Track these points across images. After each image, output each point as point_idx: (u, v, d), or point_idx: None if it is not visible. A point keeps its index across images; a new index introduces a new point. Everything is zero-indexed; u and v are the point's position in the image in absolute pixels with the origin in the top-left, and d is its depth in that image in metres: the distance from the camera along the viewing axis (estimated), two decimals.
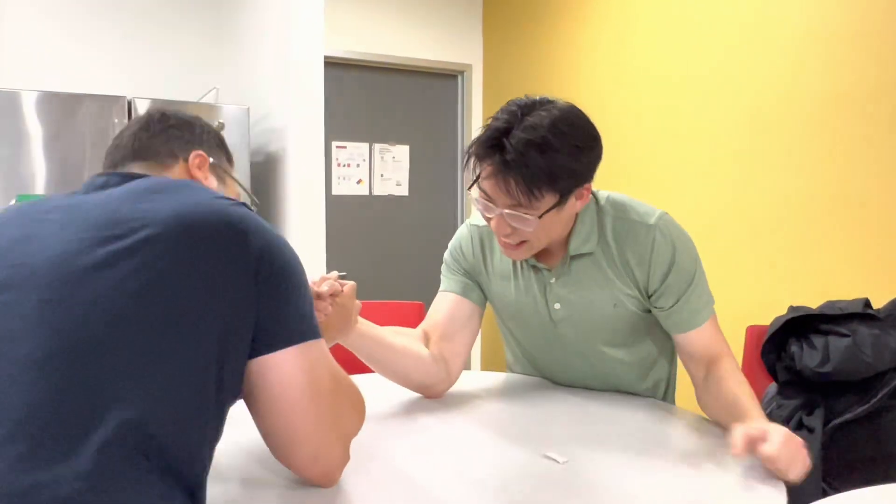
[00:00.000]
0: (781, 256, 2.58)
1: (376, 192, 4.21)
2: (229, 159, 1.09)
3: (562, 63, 3.73)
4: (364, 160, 4.17)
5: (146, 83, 3.60)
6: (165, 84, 3.65)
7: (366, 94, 4.14)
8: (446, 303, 1.46)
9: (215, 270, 0.73)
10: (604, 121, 3.43)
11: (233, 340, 0.75)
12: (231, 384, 0.76)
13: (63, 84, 3.41)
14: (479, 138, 1.21)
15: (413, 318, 2.10)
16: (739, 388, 1.22)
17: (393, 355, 1.33)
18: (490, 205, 1.23)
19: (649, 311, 1.38)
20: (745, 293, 2.70)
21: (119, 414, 0.63)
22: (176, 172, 0.96)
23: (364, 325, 1.29)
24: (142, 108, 2.74)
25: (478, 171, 1.23)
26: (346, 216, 4.10)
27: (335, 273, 1.21)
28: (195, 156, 0.99)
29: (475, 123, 4.44)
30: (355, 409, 0.91)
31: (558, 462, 1.07)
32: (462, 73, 4.40)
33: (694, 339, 1.33)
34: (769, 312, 2.03)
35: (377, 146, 4.19)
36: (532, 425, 1.25)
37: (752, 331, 1.79)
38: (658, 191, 3.14)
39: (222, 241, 0.75)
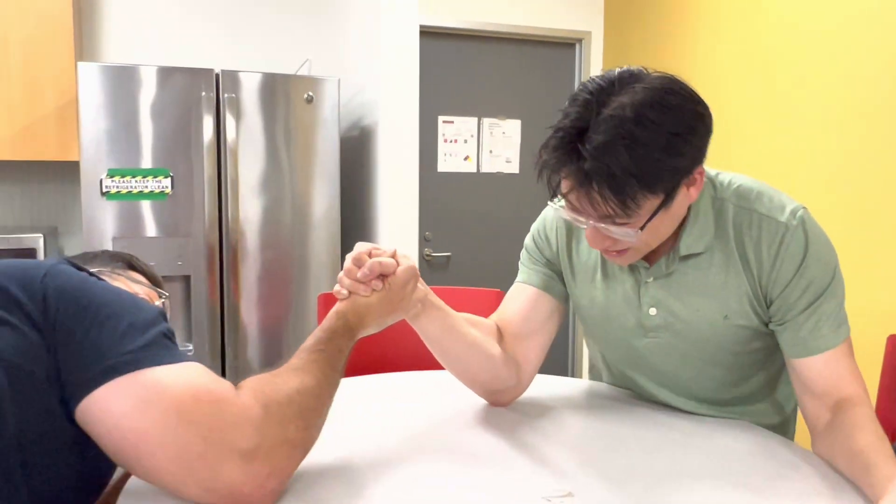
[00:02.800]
0: None
1: (484, 169, 4.01)
2: (135, 269, 1.14)
3: (693, 30, 3.34)
4: (472, 136, 3.97)
5: (244, 57, 3.59)
6: (262, 57, 3.63)
7: (475, 66, 3.93)
8: (523, 297, 1.24)
9: (5, 310, 0.72)
10: (737, 97, 3.03)
11: (19, 381, 0.70)
12: (34, 430, 0.71)
13: (158, 58, 3.47)
14: (547, 143, 0.97)
15: (489, 306, 1.88)
16: (875, 441, 0.93)
17: (461, 349, 1.13)
18: (579, 217, 0.99)
19: (766, 326, 1.10)
20: (887, 294, 2.24)
21: None
22: None
23: (435, 308, 1.09)
24: (230, 81, 2.69)
25: (555, 181, 0.99)
26: (451, 194, 3.93)
27: (392, 249, 1.04)
28: None
29: None
30: (245, 410, 0.76)
31: (555, 499, 0.83)
32: (580, 41, 4.08)
33: (813, 367, 1.04)
34: None
35: (486, 121, 3.98)
36: (600, 450, 1.01)
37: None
38: (789, 173, 2.72)
39: (14, 284, 0.74)
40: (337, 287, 1.01)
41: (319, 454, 0.97)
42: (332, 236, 2.90)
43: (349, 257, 1.02)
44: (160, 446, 0.71)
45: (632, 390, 1.30)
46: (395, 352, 1.81)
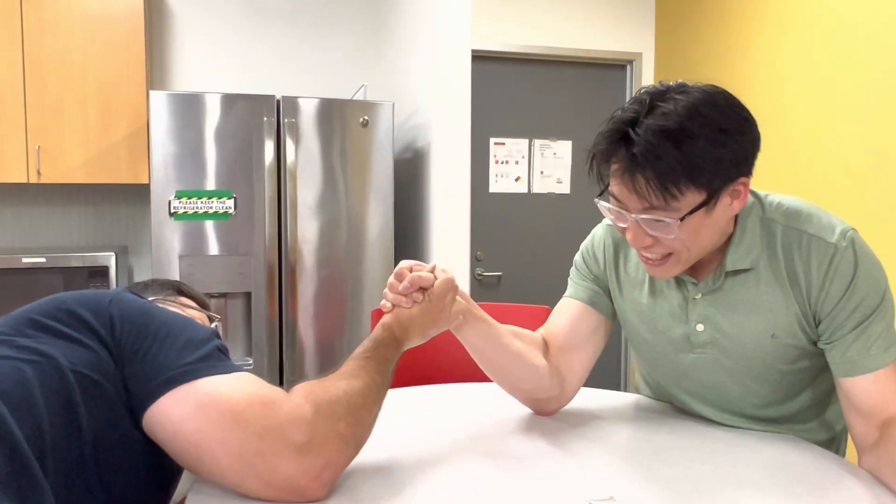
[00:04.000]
0: None
1: (535, 189, 4.05)
2: (186, 294, 1.21)
3: (745, 51, 3.33)
4: (523, 157, 4.02)
5: (303, 83, 3.75)
6: (321, 83, 3.78)
7: (526, 89, 3.99)
8: (570, 311, 1.28)
9: (77, 331, 0.82)
10: (792, 118, 3.01)
11: (89, 390, 0.78)
12: (105, 434, 0.79)
13: (223, 86, 3.65)
14: (601, 133, 1.03)
15: (537, 323, 1.92)
16: None
17: (504, 358, 1.18)
18: (622, 212, 1.04)
19: (815, 345, 1.11)
20: None
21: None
22: None
23: (478, 319, 1.15)
24: (290, 106, 2.81)
25: (604, 171, 1.05)
26: (503, 215, 3.98)
27: (432, 265, 1.11)
28: None
29: None
30: (296, 408, 0.83)
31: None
32: (631, 62, 4.10)
33: (861, 386, 1.04)
34: None
35: (537, 142, 4.03)
36: (643, 458, 1.04)
37: None
38: (851, 199, 2.68)
39: (84, 309, 0.84)
40: (383, 301, 1.09)
41: (368, 455, 1.03)
42: (385, 255, 2.98)
43: (392, 274, 1.09)
44: (220, 445, 0.78)
45: (674, 406, 1.32)
46: (442, 365, 1.86)
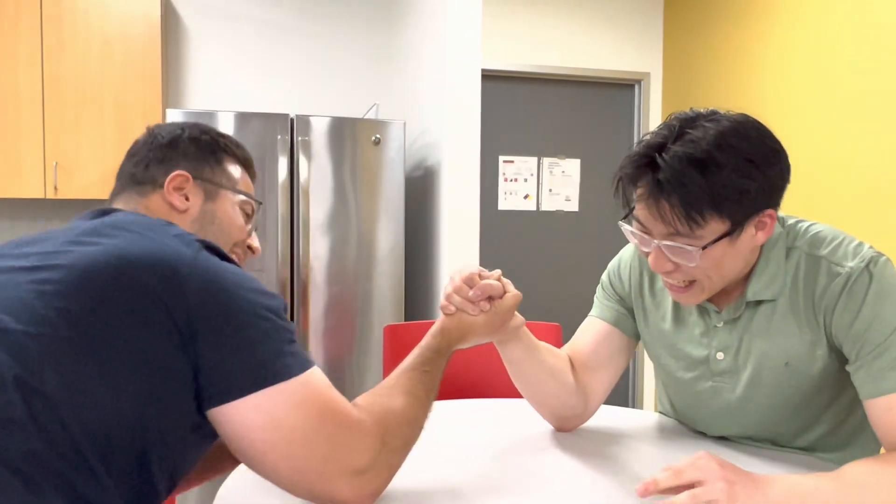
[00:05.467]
0: None
1: (544, 207, 4.08)
2: (231, 157, 1.07)
3: (752, 71, 3.36)
4: (532, 175, 4.06)
5: (316, 101, 3.81)
6: (333, 102, 3.84)
7: (535, 107, 4.04)
8: (594, 331, 1.30)
9: (138, 312, 0.74)
10: (800, 139, 3.03)
11: (160, 381, 0.75)
12: (171, 424, 0.76)
13: (238, 105, 3.71)
14: (628, 156, 1.04)
15: (547, 340, 1.94)
16: (866, 478, 0.90)
17: (538, 374, 1.21)
18: (646, 236, 1.05)
19: (833, 374, 1.10)
20: None
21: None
22: (155, 202, 0.99)
23: (524, 334, 1.18)
24: (303, 125, 2.86)
25: (630, 194, 1.06)
26: (512, 232, 4.01)
27: (497, 272, 1.12)
28: (172, 178, 0.99)
29: None
30: (365, 437, 0.83)
31: None
32: (639, 81, 4.15)
33: (877, 408, 0.99)
34: None
35: (546, 160, 4.07)
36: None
37: None
38: (863, 218, 2.69)
39: (147, 282, 0.75)
40: (445, 302, 1.08)
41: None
42: (396, 272, 3.01)
43: (457, 276, 1.08)
44: (284, 460, 0.79)
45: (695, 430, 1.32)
46: (465, 380, 1.88)
